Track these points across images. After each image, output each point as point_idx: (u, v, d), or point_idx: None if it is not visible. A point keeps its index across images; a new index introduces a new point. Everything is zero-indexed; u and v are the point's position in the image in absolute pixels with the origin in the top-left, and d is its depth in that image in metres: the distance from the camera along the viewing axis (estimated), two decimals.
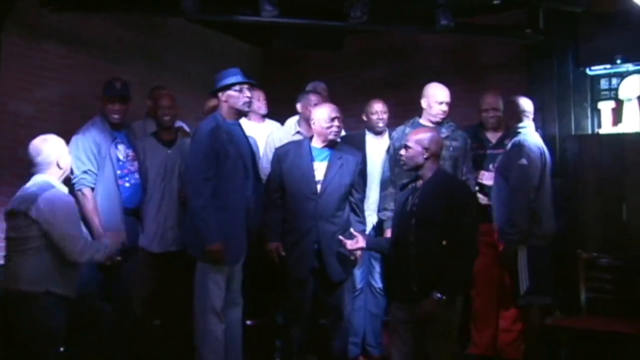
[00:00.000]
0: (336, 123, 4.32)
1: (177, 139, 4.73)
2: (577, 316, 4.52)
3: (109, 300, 4.19)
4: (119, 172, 4.41)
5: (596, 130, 5.39)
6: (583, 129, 5.44)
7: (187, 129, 5.12)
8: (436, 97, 4.70)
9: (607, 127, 5.33)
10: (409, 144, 3.80)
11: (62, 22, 5.32)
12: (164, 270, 4.57)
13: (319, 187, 4.28)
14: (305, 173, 4.30)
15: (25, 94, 5.10)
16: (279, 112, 5.53)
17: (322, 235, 4.25)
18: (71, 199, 3.69)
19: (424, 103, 4.75)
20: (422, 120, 4.76)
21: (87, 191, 4.27)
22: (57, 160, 3.67)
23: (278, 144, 4.76)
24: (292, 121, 5.15)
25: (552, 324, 4.36)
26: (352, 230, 4.21)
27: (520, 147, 4.39)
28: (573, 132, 5.45)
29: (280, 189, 4.37)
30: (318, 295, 4.38)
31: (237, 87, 4.13)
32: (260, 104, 5.29)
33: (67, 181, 3.92)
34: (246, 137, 4.35)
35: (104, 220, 4.27)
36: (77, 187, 4.25)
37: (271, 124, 5.41)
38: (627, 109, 5.23)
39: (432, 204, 3.69)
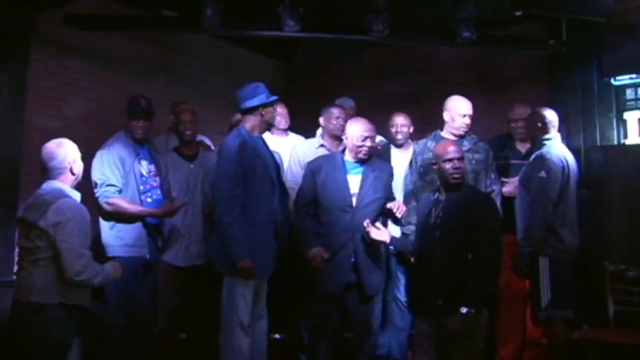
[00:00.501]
0: (368, 143, 4.29)
1: (198, 154, 4.77)
2: (604, 329, 4.45)
3: (124, 314, 4.20)
4: (142, 187, 4.42)
5: (622, 141, 5.33)
6: (608, 139, 5.38)
7: (208, 142, 5.15)
8: (459, 109, 4.69)
9: (633, 137, 5.27)
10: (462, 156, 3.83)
11: (86, 40, 5.41)
12: (189, 284, 4.59)
13: (354, 199, 4.26)
14: (340, 186, 4.27)
15: (52, 110, 5.21)
16: (301, 125, 5.54)
17: (359, 248, 4.21)
18: (84, 209, 3.50)
19: (446, 116, 4.74)
20: (444, 133, 4.74)
21: (114, 199, 4.27)
22: (71, 165, 3.49)
23: (302, 158, 4.80)
24: (318, 133, 5.15)
25: (580, 337, 4.31)
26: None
27: (542, 160, 4.37)
28: (598, 143, 5.40)
29: (314, 202, 4.33)
30: (348, 309, 4.32)
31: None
32: (281, 119, 5.30)
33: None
34: (270, 150, 4.38)
35: (128, 235, 4.30)
36: (101, 199, 4.27)
37: (295, 138, 5.42)
38: None
39: (456, 216, 3.68)
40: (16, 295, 3.40)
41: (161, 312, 4.57)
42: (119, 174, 4.32)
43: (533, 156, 4.49)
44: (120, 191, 4.32)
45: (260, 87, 4.24)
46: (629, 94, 5.34)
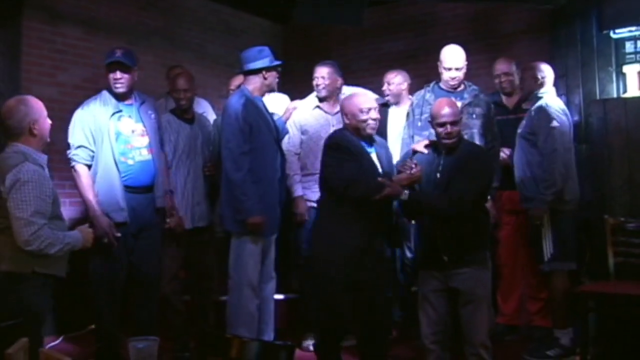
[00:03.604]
0: (372, 115, 3.85)
1: (195, 116, 4.72)
2: (605, 281, 4.47)
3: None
4: (122, 147, 4.16)
5: (621, 94, 5.28)
6: (608, 93, 5.33)
7: (208, 106, 5.14)
8: (445, 62, 4.49)
9: (633, 91, 5.22)
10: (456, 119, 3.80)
11: (80, 5, 5.37)
12: (192, 245, 4.57)
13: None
14: (372, 165, 3.86)
15: (48, 78, 5.18)
16: (299, 87, 5.51)
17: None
18: (45, 174, 3.30)
19: (439, 68, 4.56)
20: (442, 84, 4.57)
21: (79, 167, 4.09)
22: (30, 125, 3.26)
23: (303, 122, 4.80)
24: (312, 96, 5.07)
25: (581, 290, 4.32)
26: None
27: (546, 112, 4.33)
28: (598, 97, 5.35)
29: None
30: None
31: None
32: None
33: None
34: (269, 112, 4.39)
35: (102, 200, 4.08)
36: (71, 163, 4.12)
37: (271, 96, 5.17)
38: None
39: (453, 174, 3.69)
40: None
41: (166, 276, 4.52)
42: (90, 134, 4.10)
43: (533, 109, 4.45)
44: (93, 156, 4.11)
45: (265, 50, 4.29)
46: (629, 47, 5.27)
